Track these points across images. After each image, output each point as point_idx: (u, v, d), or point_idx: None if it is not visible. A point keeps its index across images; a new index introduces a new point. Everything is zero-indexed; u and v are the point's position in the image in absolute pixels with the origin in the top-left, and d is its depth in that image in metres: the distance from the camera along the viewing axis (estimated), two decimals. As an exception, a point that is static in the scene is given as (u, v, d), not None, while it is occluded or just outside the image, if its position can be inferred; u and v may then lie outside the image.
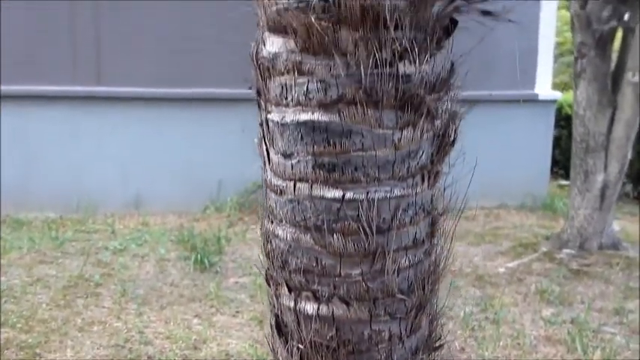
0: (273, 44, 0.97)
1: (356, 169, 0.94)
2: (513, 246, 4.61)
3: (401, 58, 0.91)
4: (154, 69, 5.17)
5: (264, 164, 1.04)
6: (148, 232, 4.76)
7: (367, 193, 0.95)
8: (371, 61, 0.89)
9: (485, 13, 0.95)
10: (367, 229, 0.94)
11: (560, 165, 6.69)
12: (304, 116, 0.94)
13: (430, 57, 0.96)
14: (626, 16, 4.38)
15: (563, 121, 6.51)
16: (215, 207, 5.36)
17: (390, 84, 0.91)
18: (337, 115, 0.92)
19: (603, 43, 4.33)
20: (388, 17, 0.88)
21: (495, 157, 5.13)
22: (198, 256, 3.99)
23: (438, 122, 0.99)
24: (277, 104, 0.97)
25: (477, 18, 0.95)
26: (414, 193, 0.98)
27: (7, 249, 4.11)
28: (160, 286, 3.59)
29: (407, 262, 0.99)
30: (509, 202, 5.65)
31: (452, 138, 1.02)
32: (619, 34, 4.59)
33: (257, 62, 1.00)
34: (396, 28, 0.90)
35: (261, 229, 1.07)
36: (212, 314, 3.22)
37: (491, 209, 5.59)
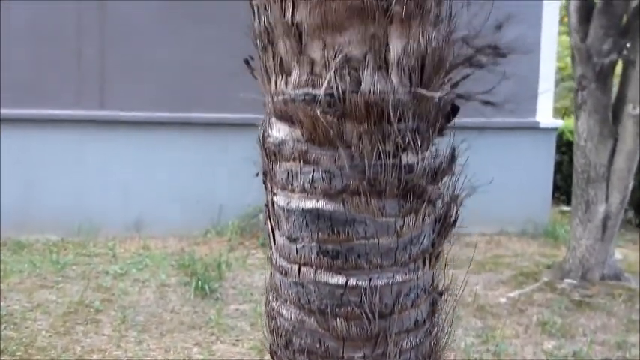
0: (280, 131, 0.99)
1: (359, 256, 0.95)
2: (514, 275, 4.60)
3: (404, 150, 0.93)
4: (157, 93, 5.22)
5: (269, 243, 1.05)
6: (149, 255, 4.76)
7: (370, 279, 0.96)
8: (375, 153, 0.91)
9: (486, 102, 0.97)
10: (370, 314, 0.95)
11: (562, 191, 6.70)
12: (309, 204, 0.95)
13: (432, 145, 0.98)
14: (626, 49, 4.42)
15: (565, 147, 6.53)
16: (216, 231, 5.37)
17: (393, 175, 0.92)
18: (341, 204, 0.94)
19: (604, 75, 4.37)
20: (392, 112, 0.90)
21: (496, 184, 5.12)
22: (199, 282, 3.99)
23: (439, 204, 1.00)
24: (283, 188, 0.99)
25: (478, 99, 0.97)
26: (415, 277, 0.99)
27: (7, 272, 4.12)
28: (160, 313, 3.59)
29: (408, 344, 1.00)
30: (510, 229, 5.65)
31: (453, 219, 1.04)
32: (619, 67, 4.63)
33: (264, 145, 1.02)
34: (399, 120, 0.92)
35: (265, 305, 1.08)
36: (212, 342, 3.21)
37: (492, 236, 5.59)
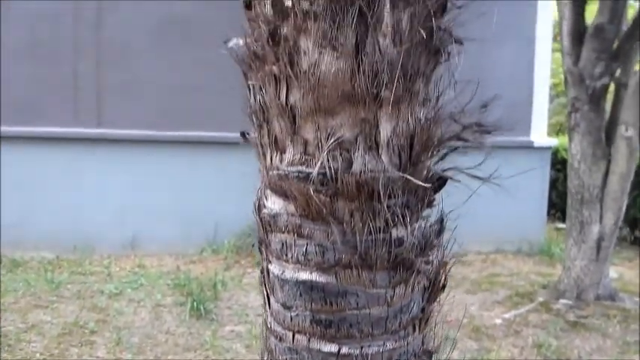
0: (275, 203, 1.02)
1: (351, 325, 0.98)
2: (510, 295, 4.63)
3: (394, 224, 0.96)
4: (153, 112, 5.25)
5: (265, 306, 1.08)
6: (145, 274, 4.77)
7: (361, 347, 0.99)
8: (366, 229, 0.94)
9: (475, 177, 1.00)
10: (361, 382, 0.98)
11: (557, 208, 6.74)
12: (303, 275, 0.98)
13: (421, 217, 1.01)
14: (618, 72, 4.48)
15: (560, 164, 6.58)
16: (212, 249, 5.38)
17: (384, 249, 0.95)
18: (334, 276, 0.96)
19: (596, 98, 4.42)
20: (382, 191, 0.93)
21: (492, 203, 5.18)
22: (194, 302, 4.00)
23: (428, 271, 1.03)
24: (278, 258, 1.02)
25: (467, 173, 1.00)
26: (405, 343, 1.02)
27: (2, 292, 4.12)
28: (155, 334, 3.59)
29: (399, 408, 1.02)
30: (506, 247, 5.68)
31: (442, 283, 1.07)
32: (612, 89, 4.68)
33: (259, 215, 1.05)
34: (389, 197, 0.95)
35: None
36: (207, 365, 3.22)
37: (487, 254, 5.62)
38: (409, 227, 0.96)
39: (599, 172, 4.45)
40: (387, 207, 0.95)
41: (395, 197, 0.96)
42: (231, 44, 0.99)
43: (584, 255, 4.47)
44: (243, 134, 1.06)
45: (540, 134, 5.87)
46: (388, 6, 0.83)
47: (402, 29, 0.85)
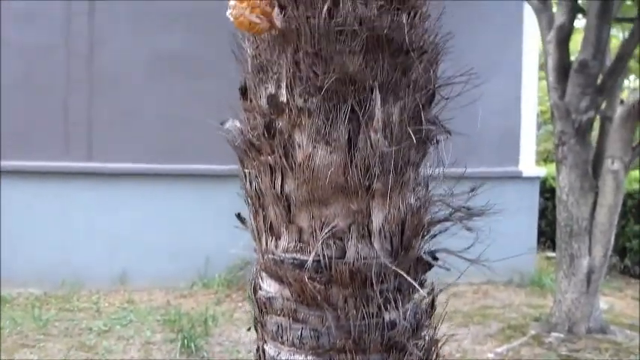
0: (270, 286, 1.03)
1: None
2: (502, 328, 4.62)
3: (386, 308, 0.97)
4: (144, 145, 5.25)
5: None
6: (134, 310, 4.71)
7: None
8: (359, 314, 0.95)
9: (465, 259, 1.02)
10: None
11: (547, 236, 6.79)
12: (298, 358, 0.99)
13: (412, 298, 1.02)
14: (603, 106, 4.57)
15: (549, 192, 6.65)
16: (203, 283, 5.34)
17: (377, 333, 0.97)
18: (328, 360, 0.97)
19: (582, 131, 4.50)
20: (374, 278, 0.94)
21: (482, 232, 5.21)
22: (185, 340, 3.94)
23: (420, 350, 1.04)
24: (273, 339, 1.02)
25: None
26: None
27: (-13, 331, 4.04)
28: (144, 374, 3.53)
29: None
30: (497, 278, 5.69)
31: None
32: (597, 122, 4.77)
33: (255, 296, 1.06)
34: (381, 282, 0.96)
35: None
36: (197, 406, 3.16)
37: (479, 285, 5.63)
38: (401, 310, 0.98)
39: (587, 204, 4.50)
40: (380, 292, 0.96)
41: (387, 282, 0.97)
42: (227, 125, 1.01)
43: (574, 288, 4.49)
44: (239, 217, 1.07)
45: (529, 164, 5.94)
46: (379, 102, 0.86)
47: (392, 123, 0.88)
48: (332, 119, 0.86)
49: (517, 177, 5.84)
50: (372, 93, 0.85)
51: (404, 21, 0.82)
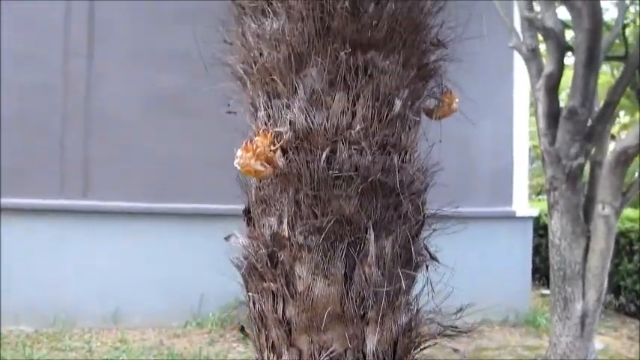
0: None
1: None
2: (498, 372, 4.62)
3: None
4: (138, 184, 5.28)
5: None
6: (127, 350, 4.67)
7: None
8: None
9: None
10: None
11: (541, 273, 6.83)
12: None
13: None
14: (593, 151, 4.65)
15: (542, 229, 6.71)
16: (196, 322, 5.31)
17: None
18: None
19: (573, 177, 4.57)
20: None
21: (477, 272, 5.26)
22: (177, 386, 3.91)
23: None
24: None
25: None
26: None
27: (-24, 371, 3.99)
28: (136, 419, 3.50)
29: None
30: (492, 318, 5.70)
31: None
32: (588, 167, 4.85)
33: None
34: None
35: None
36: None
37: (474, 325, 5.62)
38: None
39: (580, 248, 4.55)
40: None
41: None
42: (231, 241, 1.05)
43: (569, 331, 4.50)
44: (242, 329, 1.11)
45: (522, 204, 6.01)
46: (373, 240, 0.91)
47: (385, 255, 0.93)
48: (330, 256, 0.91)
49: (510, 217, 5.90)
50: (366, 232, 0.90)
51: (395, 163, 0.87)
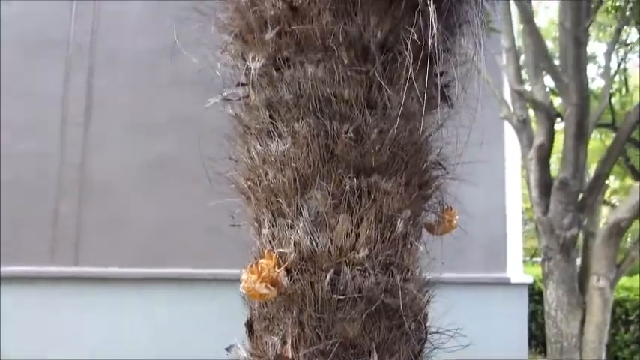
0: None
1: None
2: None
3: None
4: (131, 249, 5.22)
5: None
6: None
7: None
8: None
9: None
10: None
11: (538, 339, 6.70)
12: None
13: None
14: (585, 222, 4.70)
15: (538, 295, 6.65)
16: (188, 392, 5.10)
17: None
18: None
19: (567, 247, 4.58)
20: None
21: (472, 339, 5.13)
22: None
23: None
24: None
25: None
26: None
27: None
28: None
29: None
30: (489, 389, 5.52)
31: None
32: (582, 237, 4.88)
33: None
34: None
35: None
36: None
37: (471, 398, 5.43)
38: None
39: (576, 320, 4.49)
40: None
41: None
42: (232, 352, 1.03)
43: (568, 407, 4.37)
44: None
45: (516, 271, 5.98)
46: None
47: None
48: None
49: (505, 283, 5.85)
50: (370, 355, 0.89)
51: (398, 283, 0.88)
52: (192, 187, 5.15)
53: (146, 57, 5.40)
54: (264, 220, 1.04)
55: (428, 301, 0.99)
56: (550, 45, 7.62)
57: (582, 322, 4.51)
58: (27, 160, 5.20)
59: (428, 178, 1.08)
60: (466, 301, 5.18)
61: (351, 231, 0.97)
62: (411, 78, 0.96)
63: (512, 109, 5.09)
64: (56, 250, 5.17)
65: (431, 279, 1.06)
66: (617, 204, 8.44)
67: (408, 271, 0.95)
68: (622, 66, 7.05)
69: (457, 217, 1.09)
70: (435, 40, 0.94)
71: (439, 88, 1.06)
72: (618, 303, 6.04)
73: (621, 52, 6.70)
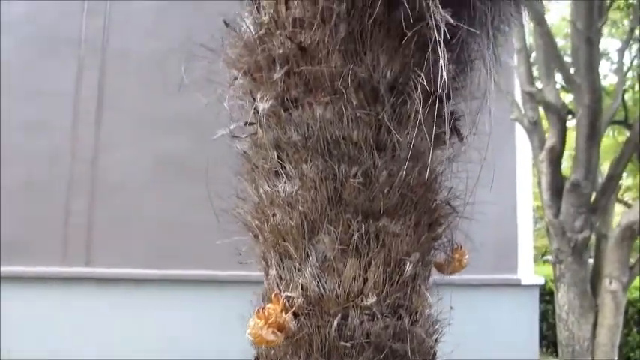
0: None
1: None
2: None
3: None
4: (143, 250, 5.24)
5: None
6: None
7: None
8: None
9: None
10: None
11: (549, 339, 6.66)
12: None
13: None
14: (597, 224, 4.64)
15: (548, 295, 6.60)
16: (199, 394, 5.13)
17: None
18: None
19: (578, 250, 4.53)
20: None
21: (483, 341, 5.12)
22: None
23: None
24: None
25: None
26: None
27: None
28: None
29: None
30: (499, 390, 5.51)
31: None
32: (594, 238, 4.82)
33: None
34: None
35: None
36: None
37: (482, 399, 5.42)
38: None
39: (588, 324, 4.45)
40: None
41: None
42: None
43: (579, 411, 4.35)
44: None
45: (527, 273, 5.94)
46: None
47: None
48: None
49: (516, 285, 5.81)
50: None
51: (406, 327, 0.87)
52: (201, 187, 5.16)
53: (158, 55, 5.40)
54: (271, 260, 1.03)
55: (437, 340, 0.98)
56: (561, 42, 7.49)
57: (594, 325, 4.47)
58: (39, 158, 5.23)
59: (438, 216, 1.07)
60: (477, 302, 5.16)
61: (359, 275, 0.96)
62: (420, 119, 0.95)
63: (523, 111, 5.03)
64: (68, 251, 5.22)
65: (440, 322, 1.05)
66: (630, 202, 8.34)
67: (416, 312, 0.94)
68: (635, 62, 6.92)
69: (467, 256, 1.07)
70: (446, 80, 0.92)
71: (449, 123, 1.05)
72: (631, 303, 5.97)
73: (634, 48, 6.58)
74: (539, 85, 5.29)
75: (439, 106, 0.98)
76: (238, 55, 1.09)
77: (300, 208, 0.99)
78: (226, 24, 1.12)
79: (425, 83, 0.96)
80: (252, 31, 1.05)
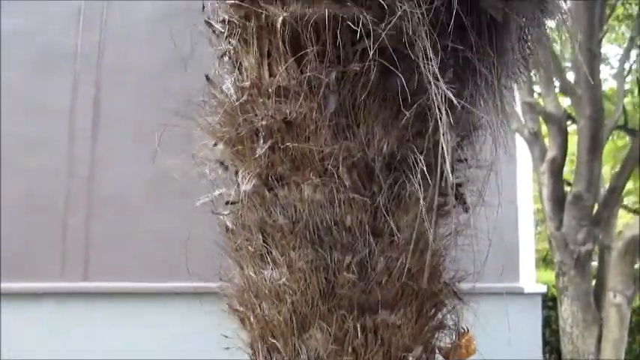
0: None
1: None
2: None
3: None
4: (141, 264, 5.15)
5: None
6: None
7: None
8: None
9: None
10: None
11: (552, 345, 6.57)
12: None
13: None
14: (601, 236, 4.56)
15: (551, 301, 6.52)
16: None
17: None
18: None
19: (582, 263, 4.45)
20: None
21: (485, 350, 5.04)
22: None
23: None
24: None
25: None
26: None
27: None
28: None
29: None
30: (502, 402, 5.43)
31: None
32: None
33: None
34: None
35: None
36: None
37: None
38: None
39: (592, 337, 4.38)
40: None
41: None
42: None
43: None
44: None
45: (529, 281, 5.85)
46: None
47: None
48: None
49: (519, 293, 5.73)
50: None
51: None
52: (201, 201, 5.06)
53: (154, 70, 5.32)
54: (259, 350, 0.94)
55: None
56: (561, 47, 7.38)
57: (599, 339, 4.40)
58: (36, 174, 5.15)
59: (442, 299, 0.98)
60: (479, 311, 5.06)
61: (356, 376, 0.87)
62: (420, 197, 0.86)
63: (523, 122, 4.93)
64: (66, 266, 5.13)
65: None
66: (631, 205, 8.27)
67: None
68: (634, 67, 6.84)
69: (475, 342, 0.98)
70: (448, 152, 0.83)
71: (453, 192, 0.96)
72: (634, 310, 5.89)
73: (633, 53, 6.49)
74: (537, 89, 5.21)
75: (441, 181, 0.89)
76: (218, 124, 1.00)
77: (288, 299, 0.90)
78: (208, 79, 1.03)
79: (425, 157, 0.87)
80: (233, 94, 0.95)
